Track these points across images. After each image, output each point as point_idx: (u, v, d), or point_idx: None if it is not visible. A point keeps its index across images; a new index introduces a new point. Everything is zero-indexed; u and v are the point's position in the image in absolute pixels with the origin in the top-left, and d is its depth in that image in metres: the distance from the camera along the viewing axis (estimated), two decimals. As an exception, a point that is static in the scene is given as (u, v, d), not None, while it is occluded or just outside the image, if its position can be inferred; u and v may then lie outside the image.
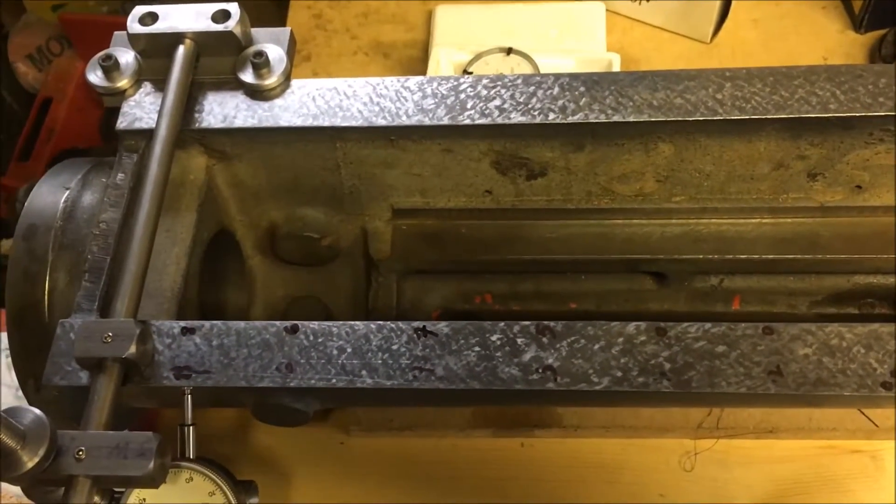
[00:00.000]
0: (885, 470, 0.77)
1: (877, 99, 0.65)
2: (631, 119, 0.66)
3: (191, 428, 0.60)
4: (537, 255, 0.76)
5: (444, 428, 0.80)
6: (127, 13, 1.75)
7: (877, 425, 0.76)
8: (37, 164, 1.51)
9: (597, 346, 0.58)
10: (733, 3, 0.97)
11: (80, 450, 0.53)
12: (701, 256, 0.74)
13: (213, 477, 0.59)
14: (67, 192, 0.69)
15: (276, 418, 0.66)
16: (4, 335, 1.14)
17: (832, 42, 1.01)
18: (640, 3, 1.03)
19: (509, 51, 0.94)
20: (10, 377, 1.11)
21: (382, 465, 0.81)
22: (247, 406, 0.66)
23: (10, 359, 1.13)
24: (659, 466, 0.78)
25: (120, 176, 0.68)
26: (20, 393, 1.09)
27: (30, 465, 0.51)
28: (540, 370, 0.57)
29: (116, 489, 0.59)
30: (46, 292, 0.65)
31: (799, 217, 0.74)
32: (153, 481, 0.53)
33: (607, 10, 1.01)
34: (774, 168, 0.70)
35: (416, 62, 1.05)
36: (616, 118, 0.66)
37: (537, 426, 0.79)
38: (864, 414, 0.76)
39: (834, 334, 0.57)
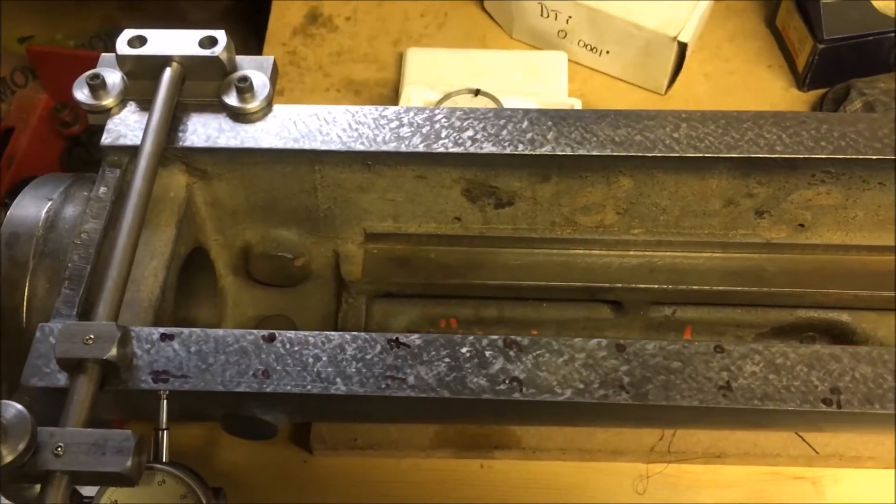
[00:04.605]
0: (825, 496, 0.81)
1: (819, 143, 0.70)
2: (595, 153, 0.70)
3: (165, 432, 0.62)
4: (502, 280, 0.79)
5: (407, 448, 0.82)
6: (94, 48, 1.76)
7: (817, 452, 0.80)
8: (-5, 191, 1.50)
9: (560, 360, 0.61)
10: (686, 58, 1.03)
11: (59, 446, 0.54)
12: (656, 286, 0.78)
13: (187, 480, 0.60)
14: (50, 203, 0.71)
15: (245, 431, 0.68)
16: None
17: (777, 98, 1.08)
18: (599, 55, 1.09)
19: (477, 92, 0.98)
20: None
21: (344, 485, 0.82)
22: (216, 418, 0.68)
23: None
24: (613, 489, 0.81)
25: (102, 189, 0.70)
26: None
27: (9, 458, 0.52)
28: (507, 381, 0.60)
29: (86, 495, 0.61)
30: (26, 298, 0.67)
31: (747, 252, 0.79)
32: (130, 479, 0.54)
33: (569, 59, 1.07)
34: (725, 205, 0.75)
35: (386, 100, 1.08)
36: (581, 151, 0.70)
37: (497, 447, 0.82)
38: (805, 440, 0.80)
39: (779, 354, 0.61)
